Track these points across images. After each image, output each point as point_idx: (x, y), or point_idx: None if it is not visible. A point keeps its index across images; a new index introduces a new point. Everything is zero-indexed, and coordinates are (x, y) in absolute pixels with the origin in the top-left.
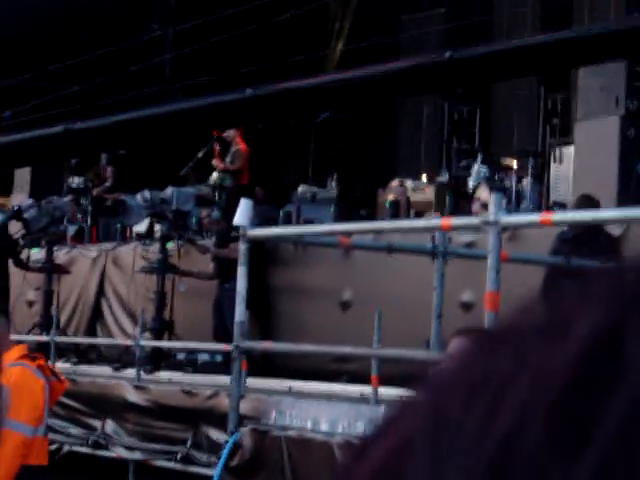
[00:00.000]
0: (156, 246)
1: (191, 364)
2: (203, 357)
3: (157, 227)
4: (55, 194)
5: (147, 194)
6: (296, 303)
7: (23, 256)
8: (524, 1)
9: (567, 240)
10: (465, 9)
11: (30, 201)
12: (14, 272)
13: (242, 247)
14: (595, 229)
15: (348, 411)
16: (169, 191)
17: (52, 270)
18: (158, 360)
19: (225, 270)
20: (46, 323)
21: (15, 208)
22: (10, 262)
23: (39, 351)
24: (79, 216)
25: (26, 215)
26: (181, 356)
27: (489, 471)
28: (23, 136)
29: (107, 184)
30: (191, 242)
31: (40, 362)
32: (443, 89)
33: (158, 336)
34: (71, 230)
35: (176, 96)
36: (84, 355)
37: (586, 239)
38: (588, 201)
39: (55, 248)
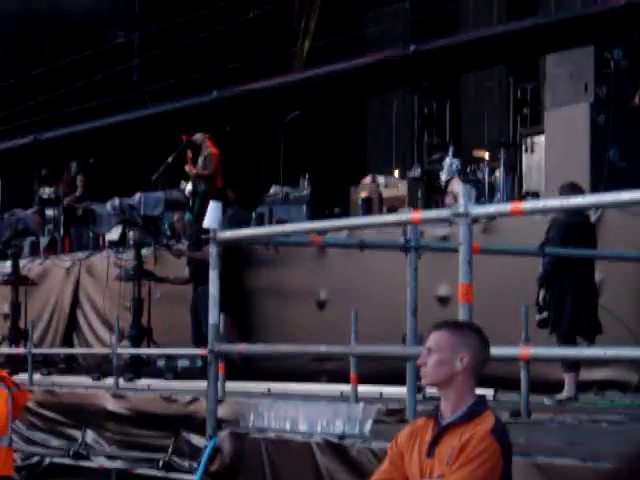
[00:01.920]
0: (130, 253)
1: (171, 370)
2: (183, 363)
3: (130, 234)
4: (26, 205)
5: (116, 201)
6: (273, 304)
7: None
8: None
9: (576, 226)
10: (430, 2)
11: None
12: None
13: (212, 250)
14: (586, 217)
15: (326, 410)
16: (137, 197)
17: (18, 282)
18: (138, 368)
19: (199, 274)
20: (14, 335)
21: None
22: None
23: (8, 364)
24: (49, 227)
25: None
26: (161, 363)
27: None
28: None
29: (77, 193)
30: (166, 247)
31: (1, 373)
32: (410, 82)
33: (137, 344)
34: (43, 241)
35: (143, 102)
36: (62, 366)
37: (584, 226)
38: (575, 189)
39: (28, 260)
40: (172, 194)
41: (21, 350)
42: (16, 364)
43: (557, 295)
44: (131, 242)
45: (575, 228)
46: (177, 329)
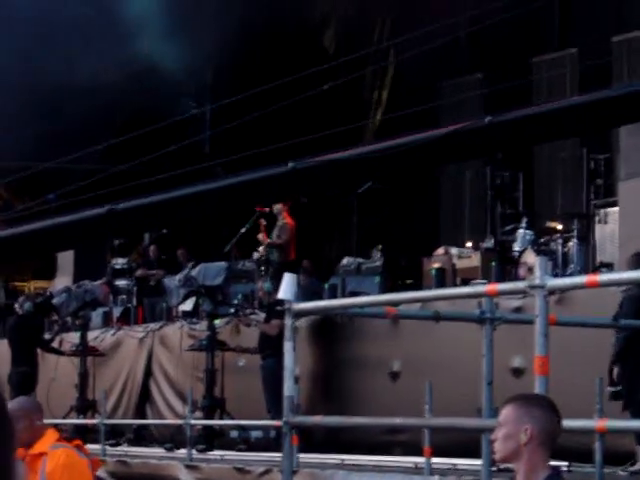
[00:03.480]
0: (203, 324)
1: (244, 441)
2: (256, 434)
3: (204, 305)
4: (99, 276)
5: (183, 273)
6: (348, 375)
7: (57, 341)
8: (562, 62)
9: None
10: (503, 73)
11: (62, 286)
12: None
13: (288, 322)
14: None
15: None
16: (198, 268)
17: (85, 353)
18: (211, 439)
19: (265, 345)
20: (82, 405)
21: (47, 294)
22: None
23: (77, 434)
24: (122, 297)
25: (55, 300)
26: (234, 434)
27: None
28: (68, 219)
29: (150, 265)
30: (237, 317)
31: (76, 442)
32: (484, 154)
33: (209, 414)
34: (116, 312)
35: (216, 173)
36: (135, 437)
37: None
38: None
39: (102, 330)
40: (237, 264)
41: (93, 421)
42: (84, 434)
43: (631, 370)
44: (203, 313)
45: None
46: (250, 400)
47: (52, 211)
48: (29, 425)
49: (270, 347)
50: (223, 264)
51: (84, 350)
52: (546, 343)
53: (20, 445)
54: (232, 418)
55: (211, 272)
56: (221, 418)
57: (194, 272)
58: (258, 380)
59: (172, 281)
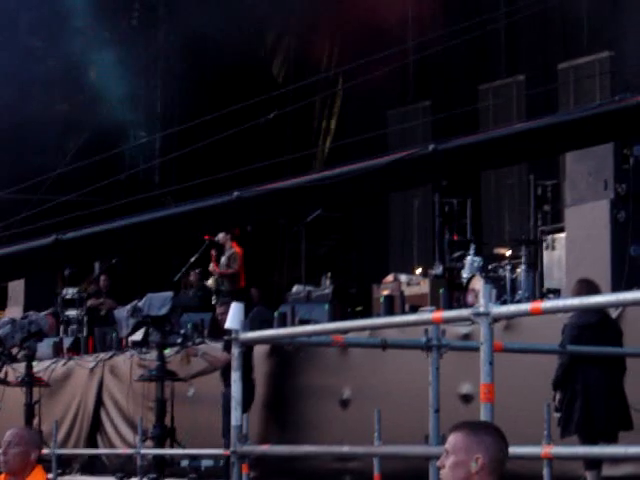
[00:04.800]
0: (153, 353)
1: (195, 470)
2: (207, 463)
3: (152, 335)
4: (50, 306)
5: (132, 304)
6: (300, 403)
7: (3, 371)
8: (509, 89)
9: (588, 326)
10: (450, 100)
11: (6, 318)
12: None
13: (235, 351)
14: (604, 313)
15: None
16: (145, 298)
17: (31, 384)
18: (162, 468)
19: (228, 374)
20: None
21: None
22: None
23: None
24: (72, 327)
25: (0, 332)
26: (185, 463)
27: None
28: (14, 249)
29: (100, 294)
30: (186, 346)
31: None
32: (430, 181)
33: (160, 444)
34: (67, 342)
35: (165, 203)
36: (87, 466)
37: (602, 324)
38: (588, 285)
39: (52, 360)
40: (187, 293)
41: (45, 451)
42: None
43: (568, 398)
44: (153, 343)
45: (586, 328)
46: (201, 429)
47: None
48: (23, 454)
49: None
50: (169, 294)
51: (30, 381)
52: (491, 371)
53: (8, 471)
54: (182, 447)
55: (157, 302)
56: (172, 447)
57: (140, 303)
58: (208, 409)
59: (122, 312)
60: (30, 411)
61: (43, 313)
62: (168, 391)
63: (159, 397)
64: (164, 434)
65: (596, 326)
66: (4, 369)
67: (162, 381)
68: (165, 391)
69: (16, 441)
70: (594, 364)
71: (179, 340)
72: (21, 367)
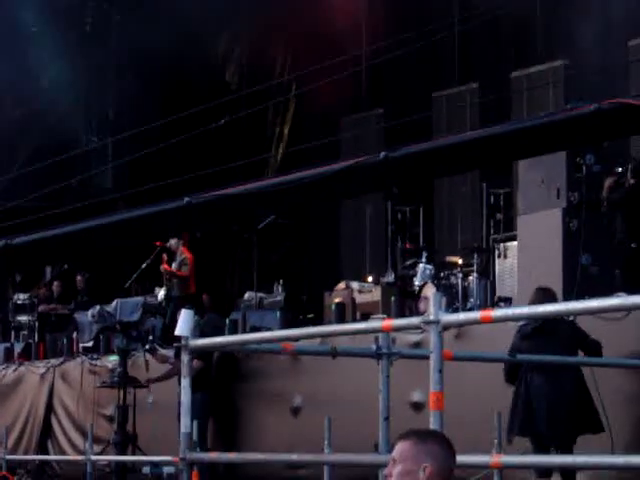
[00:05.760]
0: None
1: (157, 477)
2: (169, 469)
3: (116, 341)
4: (1, 311)
5: (96, 309)
6: (250, 410)
7: None
8: (463, 97)
9: (526, 336)
10: (404, 107)
11: None
12: None
13: (184, 358)
14: (554, 319)
15: None
16: (114, 303)
17: None
18: (123, 475)
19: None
20: None
21: None
22: None
23: None
24: (24, 332)
25: None
26: (146, 470)
27: None
28: None
29: (52, 300)
30: (151, 352)
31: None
32: (382, 188)
33: (122, 450)
34: (18, 347)
35: (117, 207)
36: (37, 472)
37: (547, 330)
38: (545, 294)
39: (3, 366)
40: (150, 299)
41: None
42: None
43: (513, 400)
44: (115, 349)
45: (529, 335)
46: (161, 435)
47: None
48: None
49: (197, 381)
50: (139, 299)
51: None
52: (441, 379)
53: None
54: (144, 454)
55: (127, 308)
56: (133, 454)
57: (110, 308)
58: (167, 416)
59: (84, 317)
60: None
61: None
62: (129, 398)
63: (121, 404)
64: (125, 441)
65: (539, 332)
66: None
67: (125, 387)
68: (127, 397)
69: None
70: (538, 370)
71: (147, 347)
72: None
